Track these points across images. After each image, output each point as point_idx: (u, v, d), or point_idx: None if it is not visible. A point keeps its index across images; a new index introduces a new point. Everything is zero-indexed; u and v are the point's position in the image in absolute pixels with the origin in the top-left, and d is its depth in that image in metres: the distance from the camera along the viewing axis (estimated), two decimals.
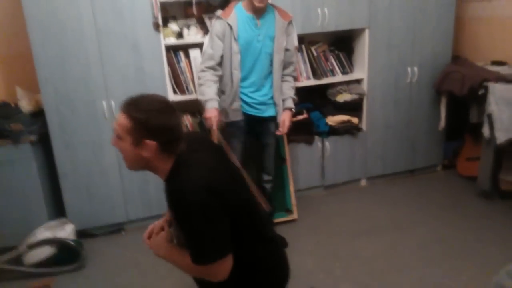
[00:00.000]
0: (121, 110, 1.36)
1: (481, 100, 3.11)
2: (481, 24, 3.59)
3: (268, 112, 2.66)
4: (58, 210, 3.01)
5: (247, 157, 2.74)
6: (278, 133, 2.65)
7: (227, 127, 2.61)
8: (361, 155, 3.53)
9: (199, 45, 2.95)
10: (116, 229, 3.11)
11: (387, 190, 3.55)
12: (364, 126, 3.48)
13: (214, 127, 2.42)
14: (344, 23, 3.16)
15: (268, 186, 2.84)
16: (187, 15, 3.01)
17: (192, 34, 2.92)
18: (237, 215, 1.38)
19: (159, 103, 1.37)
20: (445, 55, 3.50)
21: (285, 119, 2.63)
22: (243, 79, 2.54)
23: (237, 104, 2.56)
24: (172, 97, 2.96)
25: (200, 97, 2.55)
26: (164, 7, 2.90)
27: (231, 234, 1.36)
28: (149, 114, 1.34)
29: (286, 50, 2.56)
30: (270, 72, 2.58)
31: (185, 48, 2.95)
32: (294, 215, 3.11)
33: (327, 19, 3.09)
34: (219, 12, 2.56)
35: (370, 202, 3.36)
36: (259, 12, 2.45)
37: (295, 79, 2.75)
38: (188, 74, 2.96)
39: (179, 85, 2.98)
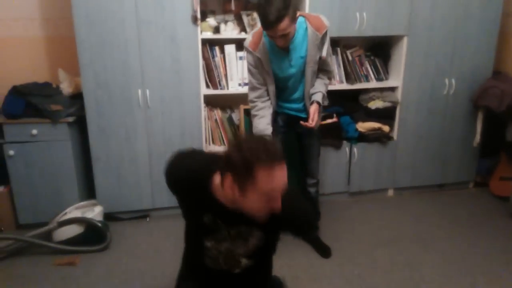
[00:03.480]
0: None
1: None
2: None
3: (305, 113, 2.58)
4: (88, 191, 3.14)
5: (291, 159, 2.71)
6: (304, 124, 2.43)
7: None
8: (389, 165, 3.48)
9: (235, 41, 3.00)
10: (142, 215, 3.20)
11: (414, 202, 3.48)
12: (395, 135, 3.42)
13: None
14: (382, 29, 3.12)
15: (313, 190, 2.76)
16: (226, 11, 3.06)
17: (229, 30, 2.96)
18: None
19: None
20: (486, 69, 3.39)
21: (312, 112, 2.44)
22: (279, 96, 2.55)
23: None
24: (205, 91, 3.02)
25: (254, 131, 2.51)
26: (203, 1, 2.96)
27: None
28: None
29: (319, 58, 2.44)
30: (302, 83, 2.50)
31: (221, 43, 3.00)
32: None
33: (365, 23, 3.06)
34: (247, 41, 2.36)
35: (395, 213, 3.30)
36: None
37: (330, 80, 2.62)
38: (221, 69, 3.01)
39: (212, 79, 3.03)
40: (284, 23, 2.08)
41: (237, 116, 3.17)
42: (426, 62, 3.28)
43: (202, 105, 3.02)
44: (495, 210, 3.32)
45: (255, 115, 2.48)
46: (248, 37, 2.37)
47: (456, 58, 3.32)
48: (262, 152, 1.24)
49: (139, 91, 2.88)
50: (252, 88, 2.45)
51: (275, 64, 2.39)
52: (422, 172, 3.56)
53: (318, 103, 2.46)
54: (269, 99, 2.48)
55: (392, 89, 3.38)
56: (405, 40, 3.20)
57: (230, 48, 2.98)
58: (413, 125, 3.42)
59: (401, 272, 2.55)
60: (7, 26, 3.12)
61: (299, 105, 2.56)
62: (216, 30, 2.98)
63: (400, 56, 3.27)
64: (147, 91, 2.89)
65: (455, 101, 3.42)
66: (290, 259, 2.69)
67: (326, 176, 3.32)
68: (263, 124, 2.44)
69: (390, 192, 3.61)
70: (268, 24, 2.09)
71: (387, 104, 3.32)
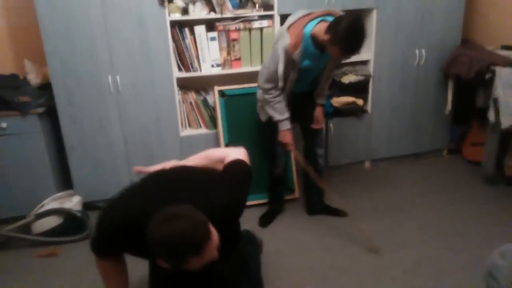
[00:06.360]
0: None
1: (488, 84, 3.08)
2: (492, 7, 3.52)
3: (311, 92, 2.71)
4: (65, 182, 3.09)
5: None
6: (314, 127, 2.74)
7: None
8: (365, 137, 3.53)
9: (205, 22, 2.97)
10: None
11: (391, 172, 3.56)
12: (369, 108, 3.47)
13: (292, 149, 2.63)
14: (351, 3, 3.12)
15: (321, 160, 2.87)
16: None
17: (198, 10, 2.92)
18: None
19: None
20: (455, 38, 3.44)
21: (319, 115, 2.74)
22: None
23: None
24: (177, 74, 2.99)
25: (272, 113, 2.53)
26: None
27: None
28: None
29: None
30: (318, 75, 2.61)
31: (191, 25, 2.95)
32: (296, 194, 3.15)
33: None
34: (286, 43, 2.28)
35: (373, 184, 3.37)
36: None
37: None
38: (193, 51, 2.98)
39: (183, 62, 3.00)
40: None
41: (212, 98, 3.16)
42: (396, 34, 3.31)
43: (176, 88, 2.99)
44: (469, 175, 3.42)
45: (270, 101, 2.50)
46: (285, 39, 2.29)
47: (425, 29, 3.36)
48: (190, 243, 1.30)
49: (109, 77, 2.83)
50: (270, 80, 2.43)
51: (305, 63, 2.40)
52: (397, 142, 3.63)
53: (323, 105, 2.75)
54: (281, 88, 2.48)
55: (364, 62, 3.41)
56: (374, 13, 3.22)
57: (200, 29, 2.94)
58: (386, 97, 3.47)
59: (380, 240, 2.62)
60: None
61: (307, 88, 2.66)
62: (185, 11, 2.93)
63: (370, 29, 3.28)
64: (118, 77, 2.84)
65: (426, 71, 3.48)
66: (272, 234, 2.74)
67: None
68: (284, 110, 2.52)
69: (367, 164, 3.68)
70: (354, 52, 2.17)
71: (360, 78, 3.35)
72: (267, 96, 2.49)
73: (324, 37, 2.17)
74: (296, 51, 2.30)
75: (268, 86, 2.45)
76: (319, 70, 2.55)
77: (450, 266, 2.36)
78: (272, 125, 2.61)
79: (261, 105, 2.64)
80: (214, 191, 1.58)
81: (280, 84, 2.42)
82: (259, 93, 2.59)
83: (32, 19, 2.85)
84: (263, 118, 2.68)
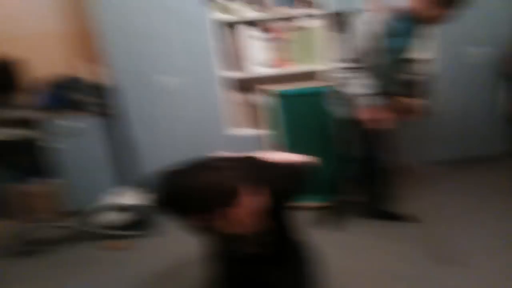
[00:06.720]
0: None
1: None
2: None
3: None
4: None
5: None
6: None
7: None
8: (416, 138, 3.41)
9: (252, 22, 3.02)
10: None
11: (441, 177, 3.41)
12: None
13: (385, 126, 2.50)
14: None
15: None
16: None
17: (244, 10, 2.98)
18: None
19: None
20: (509, 35, 3.25)
21: None
22: None
23: None
24: (228, 74, 3.05)
25: (350, 91, 2.47)
26: None
27: None
28: None
29: None
30: None
31: (238, 24, 3.01)
32: (351, 197, 3.06)
33: None
34: (379, 15, 2.33)
35: (424, 188, 3.24)
36: None
37: None
38: (240, 51, 3.02)
39: (232, 62, 3.07)
40: None
41: (261, 98, 3.16)
42: (449, 31, 3.17)
43: (225, 88, 3.04)
44: None
45: (358, 79, 2.43)
46: (378, 14, 2.32)
47: (481, 25, 3.21)
48: (221, 198, 1.36)
49: (165, 78, 2.94)
50: (357, 60, 2.41)
51: (395, 41, 2.38)
52: (450, 145, 3.48)
53: None
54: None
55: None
56: None
57: (247, 29, 2.97)
58: (439, 97, 3.33)
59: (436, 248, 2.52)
60: (30, 22, 3.22)
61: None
62: (231, 11, 2.97)
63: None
64: (170, 77, 2.94)
65: (481, 70, 3.31)
66: (324, 235, 2.65)
67: None
68: (368, 84, 2.43)
69: (419, 167, 3.54)
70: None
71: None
72: (351, 75, 2.42)
73: (422, 5, 2.18)
74: (390, 25, 2.30)
75: (355, 65, 2.41)
76: (400, 53, 2.47)
77: None
78: (357, 123, 2.53)
79: (344, 102, 2.53)
80: (268, 175, 1.62)
81: (378, 58, 2.37)
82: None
83: (87, 23, 3.00)
84: (349, 113, 2.55)
